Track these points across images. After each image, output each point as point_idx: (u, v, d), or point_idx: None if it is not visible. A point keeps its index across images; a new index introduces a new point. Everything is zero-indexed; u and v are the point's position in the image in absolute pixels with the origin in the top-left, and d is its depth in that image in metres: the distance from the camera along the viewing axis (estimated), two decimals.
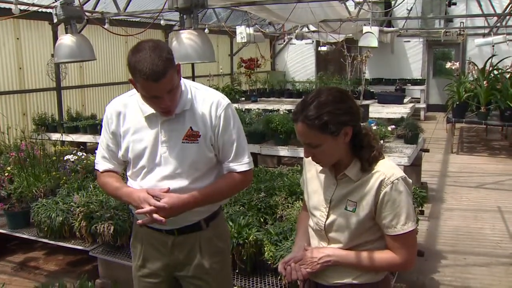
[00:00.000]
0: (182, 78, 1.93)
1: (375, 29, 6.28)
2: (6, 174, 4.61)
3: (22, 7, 6.08)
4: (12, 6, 5.32)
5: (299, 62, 15.40)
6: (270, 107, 9.27)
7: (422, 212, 4.18)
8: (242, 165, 1.99)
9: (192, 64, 10.81)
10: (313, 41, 14.28)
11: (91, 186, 4.16)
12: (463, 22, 12.26)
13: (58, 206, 3.72)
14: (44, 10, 6.84)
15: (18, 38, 7.28)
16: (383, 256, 1.66)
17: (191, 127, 1.91)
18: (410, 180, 1.66)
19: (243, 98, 10.42)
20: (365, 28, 6.36)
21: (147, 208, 1.81)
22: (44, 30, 7.66)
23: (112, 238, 3.37)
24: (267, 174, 4.32)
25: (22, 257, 4.50)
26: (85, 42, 4.63)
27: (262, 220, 3.36)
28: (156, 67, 1.70)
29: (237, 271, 2.98)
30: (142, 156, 1.95)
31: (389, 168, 1.63)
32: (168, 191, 1.87)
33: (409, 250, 1.65)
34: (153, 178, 1.94)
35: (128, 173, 2.05)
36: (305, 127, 1.58)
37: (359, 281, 1.70)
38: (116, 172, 2.06)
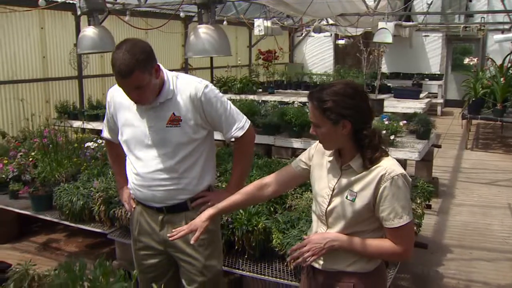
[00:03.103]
0: (165, 70, 2.20)
1: (390, 25, 6.33)
2: (30, 159, 4.84)
3: None
4: None
5: (317, 54, 15.42)
6: (286, 99, 9.35)
7: (429, 207, 4.27)
8: (238, 130, 2.29)
9: (211, 56, 10.94)
10: (331, 34, 14.28)
11: (110, 172, 4.35)
12: (484, 17, 12.14)
13: (79, 190, 3.90)
14: (68, 1, 7.03)
15: (42, 28, 7.49)
16: (384, 244, 1.77)
17: (173, 113, 2.17)
18: (410, 179, 1.77)
19: (260, 90, 10.51)
20: (380, 24, 6.41)
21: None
22: (67, 20, 7.85)
23: (128, 223, 3.54)
24: (279, 166, 4.45)
25: (44, 238, 4.74)
26: (107, 34, 4.80)
27: (272, 209, 3.49)
28: (124, 66, 1.97)
29: (246, 256, 3.13)
30: (132, 139, 2.24)
31: (391, 164, 1.74)
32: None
33: (406, 241, 1.75)
34: (144, 159, 2.21)
35: (125, 151, 2.33)
36: (312, 106, 1.77)
37: (351, 269, 1.82)
38: (115, 142, 2.44)
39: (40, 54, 7.50)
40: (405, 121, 5.41)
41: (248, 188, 2.05)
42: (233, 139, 2.35)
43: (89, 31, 4.71)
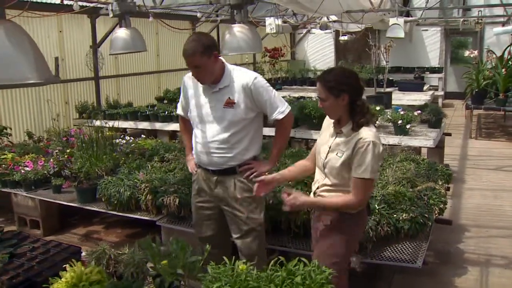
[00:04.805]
0: (226, 63, 2.84)
1: (401, 21, 6.63)
2: (66, 156, 5.11)
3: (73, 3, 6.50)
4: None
5: (319, 51, 15.71)
6: (294, 94, 9.67)
7: (448, 189, 4.57)
8: (279, 114, 2.86)
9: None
10: (333, 31, 14.56)
11: (149, 166, 4.63)
12: (481, 11, 12.47)
13: (124, 182, 4.18)
14: (84, 3, 7.25)
15: (60, 31, 7.75)
16: (340, 198, 2.40)
17: (229, 97, 2.78)
18: (381, 148, 2.36)
19: None
20: (392, 20, 6.71)
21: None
22: (83, 23, 8.11)
23: (177, 209, 3.82)
24: (305, 154, 4.75)
25: (84, 230, 5.01)
26: (138, 35, 5.07)
27: (308, 193, 3.78)
28: (188, 49, 2.64)
29: (291, 235, 3.43)
30: (198, 116, 2.87)
31: (367, 133, 2.33)
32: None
33: (361, 192, 2.35)
34: (205, 131, 2.83)
35: (192, 124, 2.97)
36: (320, 85, 2.40)
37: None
38: (186, 117, 3.07)
39: (59, 56, 7.74)
40: (419, 111, 5.71)
41: (297, 164, 2.75)
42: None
43: (121, 33, 4.98)
